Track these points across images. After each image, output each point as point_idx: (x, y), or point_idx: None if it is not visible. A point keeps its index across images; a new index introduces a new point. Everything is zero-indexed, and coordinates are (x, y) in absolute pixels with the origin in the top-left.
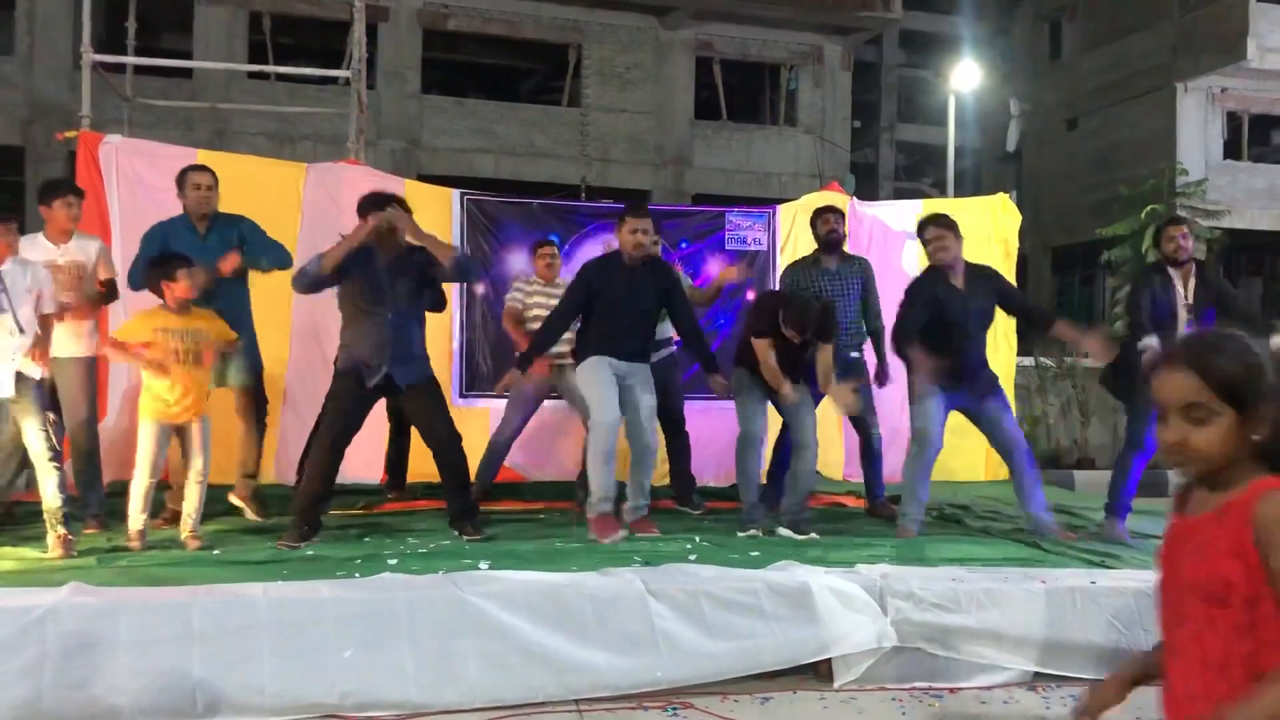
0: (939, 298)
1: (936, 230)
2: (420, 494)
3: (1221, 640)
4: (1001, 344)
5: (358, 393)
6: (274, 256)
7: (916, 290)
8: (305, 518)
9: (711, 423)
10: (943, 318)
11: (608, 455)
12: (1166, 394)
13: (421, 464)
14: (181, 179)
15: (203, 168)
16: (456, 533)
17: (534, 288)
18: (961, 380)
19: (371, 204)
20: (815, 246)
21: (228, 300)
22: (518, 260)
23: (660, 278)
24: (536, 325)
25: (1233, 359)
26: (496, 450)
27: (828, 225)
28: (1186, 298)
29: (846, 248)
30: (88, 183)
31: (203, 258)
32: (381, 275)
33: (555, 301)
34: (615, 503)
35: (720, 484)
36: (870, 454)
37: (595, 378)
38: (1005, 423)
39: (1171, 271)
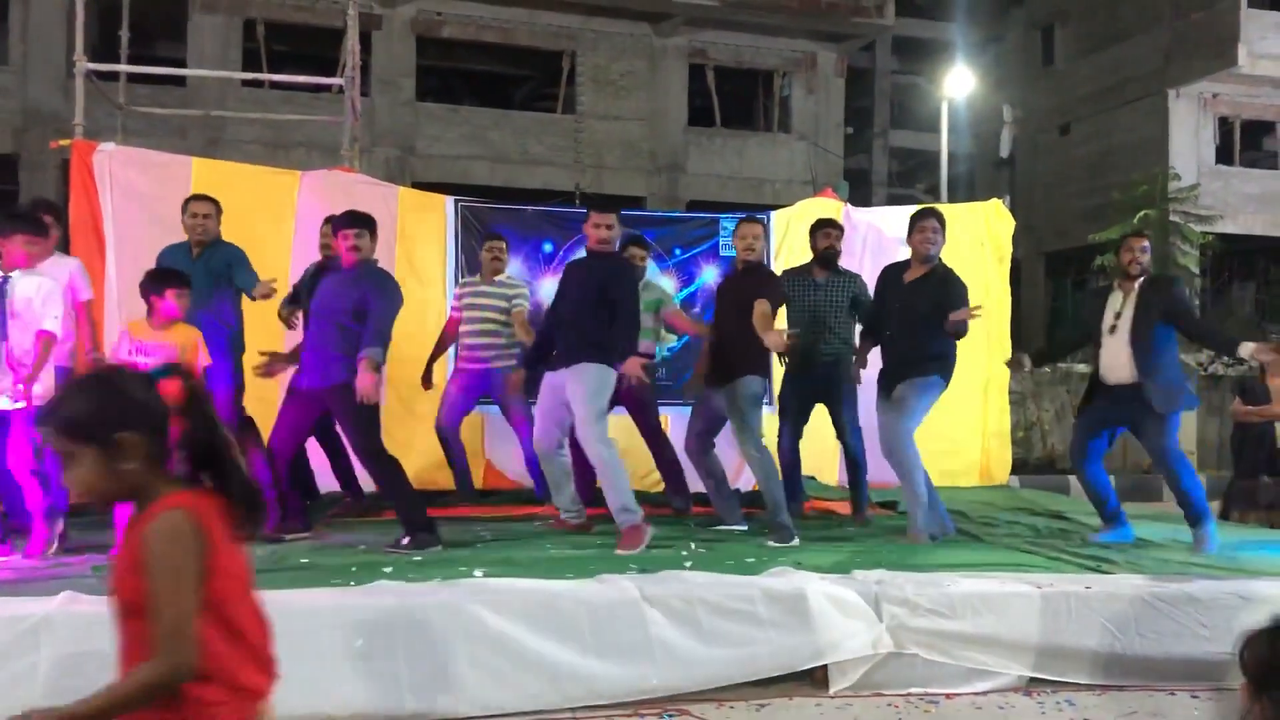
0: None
1: (933, 222)
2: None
3: (139, 653)
4: (995, 349)
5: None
6: (247, 283)
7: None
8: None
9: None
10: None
11: (557, 479)
12: None
13: (419, 473)
14: (184, 207)
15: (204, 198)
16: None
17: (467, 289)
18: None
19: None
20: (810, 255)
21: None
22: (511, 267)
23: (606, 267)
24: (472, 330)
25: (75, 403)
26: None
27: (827, 240)
28: (1118, 315)
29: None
30: (82, 191)
31: (200, 281)
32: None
33: (486, 301)
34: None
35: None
36: (852, 463)
37: (539, 402)
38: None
39: (1118, 287)
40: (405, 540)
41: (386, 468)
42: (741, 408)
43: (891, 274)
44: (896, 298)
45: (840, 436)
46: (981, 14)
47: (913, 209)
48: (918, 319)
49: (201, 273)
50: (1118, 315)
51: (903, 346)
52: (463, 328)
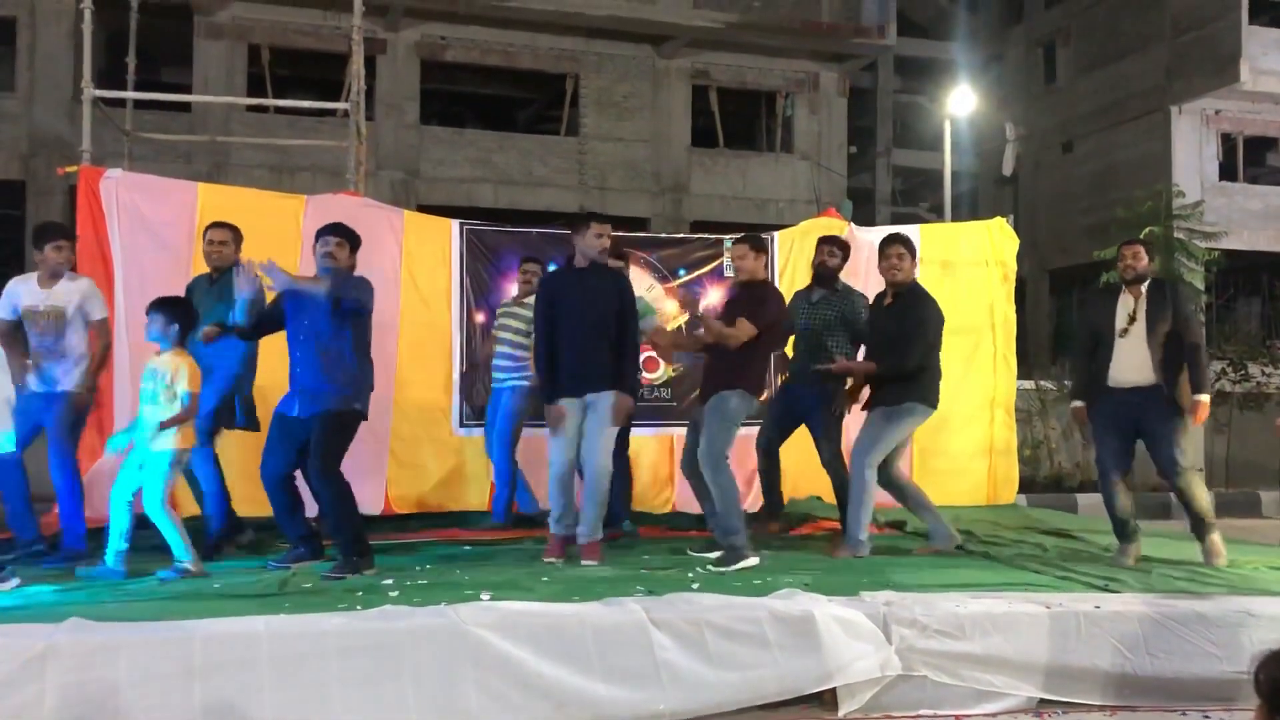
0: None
1: (898, 249)
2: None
3: None
4: (1001, 367)
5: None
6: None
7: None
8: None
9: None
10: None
11: (557, 491)
12: None
13: (426, 494)
14: (204, 234)
15: (223, 225)
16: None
17: (503, 309)
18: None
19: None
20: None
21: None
22: (516, 290)
23: (615, 280)
24: (498, 351)
25: None
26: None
27: (820, 256)
28: (1134, 317)
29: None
30: (88, 217)
31: (210, 305)
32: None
33: (511, 321)
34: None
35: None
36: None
37: (556, 426)
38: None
39: (1126, 291)
40: (340, 569)
41: (340, 491)
42: (713, 420)
43: (875, 301)
44: (873, 323)
45: (821, 458)
46: (983, 33)
47: (914, 229)
48: (886, 344)
49: (214, 298)
50: (1131, 318)
51: (880, 372)
52: (496, 347)
